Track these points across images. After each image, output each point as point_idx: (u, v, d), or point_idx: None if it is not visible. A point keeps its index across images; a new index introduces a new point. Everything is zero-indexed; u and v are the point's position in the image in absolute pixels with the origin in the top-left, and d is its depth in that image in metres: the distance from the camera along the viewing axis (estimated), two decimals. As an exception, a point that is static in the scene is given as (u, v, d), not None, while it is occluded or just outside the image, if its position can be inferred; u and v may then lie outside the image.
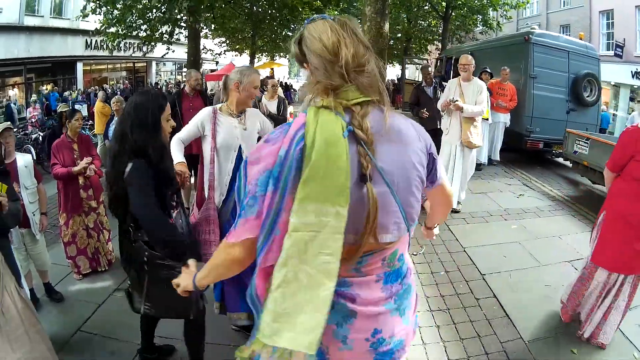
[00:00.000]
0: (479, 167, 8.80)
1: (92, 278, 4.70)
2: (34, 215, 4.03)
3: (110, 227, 4.94)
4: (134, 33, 14.44)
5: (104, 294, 4.35)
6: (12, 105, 17.20)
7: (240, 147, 3.24)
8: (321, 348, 1.40)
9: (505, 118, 9.20)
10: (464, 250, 5.20)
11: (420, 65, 11.51)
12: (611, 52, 20.00)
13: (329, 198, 1.27)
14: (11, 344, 2.38)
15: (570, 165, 8.25)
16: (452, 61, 14.47)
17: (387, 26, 6.43)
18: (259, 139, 3.33)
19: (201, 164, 3.40)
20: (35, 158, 10.62)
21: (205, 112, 3.31)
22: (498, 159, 9.45)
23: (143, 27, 14.20)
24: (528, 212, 6.53)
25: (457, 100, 5.82)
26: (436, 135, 7.44)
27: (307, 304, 1.29)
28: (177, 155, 3.13)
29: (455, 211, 6.29)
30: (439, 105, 6.26)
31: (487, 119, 8.64)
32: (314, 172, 1.27)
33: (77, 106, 15.77)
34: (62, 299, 4.24)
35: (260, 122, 3.49)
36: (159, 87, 26.02)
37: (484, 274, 4.62)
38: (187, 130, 3.28)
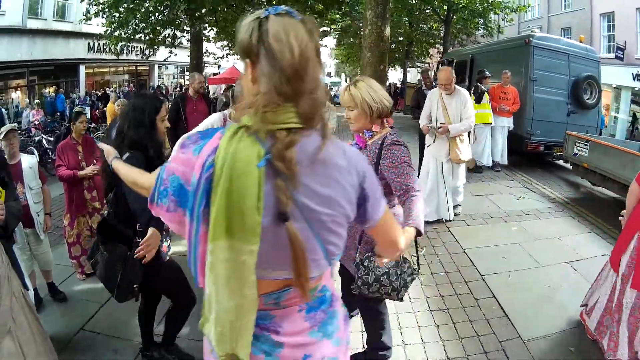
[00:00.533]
0: (479, 169, 8.84)
1: (95, 278, 4.70)
2: (38, 215, 4.08)
3: None
4: (137, 36, 14.49)
5: (106, 293, 4.32)
6: (3, 110, 17.28)
7: None
8: None
9: (508, 122, 9.16)
10: (464, 252, 5.23)
11: (421, 69, 11.55)
12: (612, 55, 20.04)
13: (241, 237, 1.15)
14: (22, 348, 2.41)
15: (571, 167, 8.27)
16: (453, 64, 14.54)
17: (388, 30, 6.47)
18: None
19: None
20: (38, 160, 10.75)
21: (215, 116, 3.51)
22: (506, 162, 9.34)
23: (146, 31, 14.24)
24: (528, 214, 6.56)
25: (440, 126, 5.60)
26: None
27: (238, 327, 1.25)
28: None
29: (447, 220, 6.13)
30: (421, 125, 6.10)
31: (490, 123, 8.73)
32: (221, 206, 1.14)
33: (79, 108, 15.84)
34: (66, 298, 4.28)
35: None
36: (160, 90, 26.03)
37: (484, 275, 4.65)
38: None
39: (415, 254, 2.78)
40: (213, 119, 3.46)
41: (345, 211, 1.29)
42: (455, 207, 6.34)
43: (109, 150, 2.31)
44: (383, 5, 6.30)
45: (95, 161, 4.73)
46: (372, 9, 6.37)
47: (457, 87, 5.75)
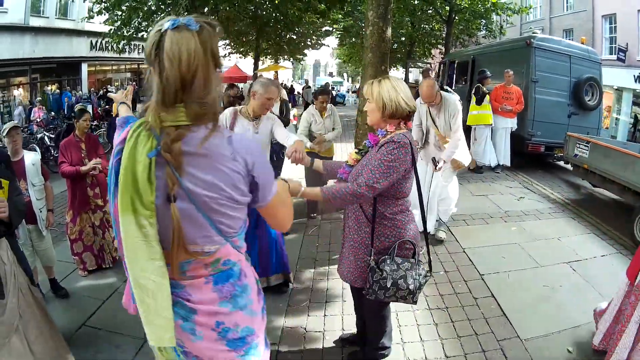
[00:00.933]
0: (479, 169, 8.85)
1: (97, 275, 4.79)
2: (40, 211, 4.12)
3: None
4: (140, 35, 14.50)
5: (108, 290, 4.44)
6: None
7: None
8: (178, 341, 1.56)
9: (512, 123, 9.08)
10: (464, 251, 5.26)
11: (421, 69, 11.55)
12: (614, 57, 20.01)
13: (142, 212, 1.40)
14: (31, 345, 2.46)
15: (571, 168, 8.28)
16: (455, 65, 14.56)
17: (389, 30, 6.46)
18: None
19: None
20: (40, 157, 10.79)
21: (227, 111, 3.78)
22: (508, 164, 9.26)
23: (149, 30, 14.25)
24: (528, 215, 6.58)
25: (438, 164, 5.11)
26: None
27: (156, 306, 1.47)
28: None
29: (440, 240, 5.57)
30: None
31: (490, 124, 8.77)
32: (124, 187, 1.40)
33: (80, 105, 15.94)
34: (68, 294, 4.32)
35: (273, 127, 3.87)
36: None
37: (483, 274, 4.67)
38: None
39: (428, 256, 2.88)
40: (225, 113, 3.71)
41: (229, 195, 1.48)
42: (438, 228, 5.69)
43: (115, 97, 2.52)
44: (385, 6, 6.28)
45: (95, 155, 4.78)
46: (373, 10, 6.35)
47: (444, 94, 5.10)
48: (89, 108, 16.49)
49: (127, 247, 1.45)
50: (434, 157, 5.22)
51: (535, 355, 3.39)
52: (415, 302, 2.75)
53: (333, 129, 6.19)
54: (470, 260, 5.04)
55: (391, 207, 2.67)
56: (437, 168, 5.15)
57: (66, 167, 4.59)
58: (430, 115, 5.22)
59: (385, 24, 6.34)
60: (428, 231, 5.54)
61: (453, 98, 5.09)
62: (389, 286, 2.59)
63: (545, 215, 6.59)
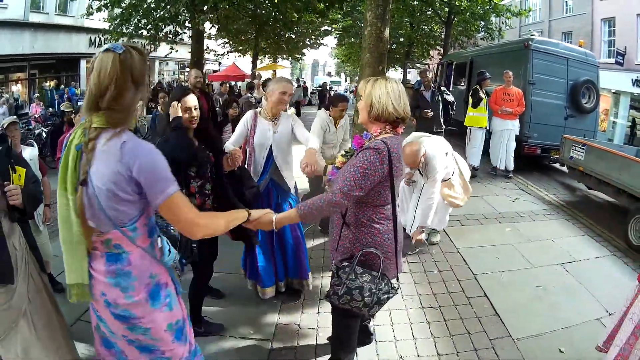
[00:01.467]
0: (474, 170, 8.75)
1: (93, 270, 4.79)
2: None
3: None
4: (139, 32, 14.48)
5: None
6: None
7: (271, 147, 3.81)
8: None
9: (513, 125, 8.80)
10: (458, 251, 5.29)
11: (419, 70, 11.55)
12: (612, 60, 20.08)
13: (69, 189, 1.84)
14: (37, 333, 2.48)
15: (567, 170, 8.32)
16: (453, 66, 14.59)
17: (387, 31, 6.49)
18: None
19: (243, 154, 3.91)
20: (38, 153, 10.80)
21: (248, 114, 3.93)
22: (511, 168, 8.94)
23: (148, 27, 14.23)
24: (523, 216, 6.62)
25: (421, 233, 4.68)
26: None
27: (74, 258, 1.94)
28: (229, 145, 3.74)
29: (433, 243, 5.47)
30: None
31: (485, 127, 8.76)
32: (61, 169, 1.86)
33: (80, 103, 15.92)
34: (64, 289, 4.31)
35: (293, 126, 3.92)
36: (161, 85, 26.00)
37: (476, 274, 4.70)
38: (238, 132, 3.89)
39: (409, 252, 2.81)
40: (247, 117, 3.90)
41: (114, 190, 1.80)
42: (429, 234, 5.45)
43: None
44: (383, 6, 6.32)
45: None
46: (372, 10, 6.39)
47: (428, 156, 4.53)
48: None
49: (59, 213, 1.89)
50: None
51: (527, 355, 3.42)
52: (372, 316, 2.76)
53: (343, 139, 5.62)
54: (464, 260, 5.07)
55: (368, 213, 2.56)
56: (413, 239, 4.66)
57: None
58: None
59: (384, 25, 6.37)
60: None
61: (434, 162, 4.54)
62: (340, 293, 2.54)
63: (539, 217, 6.63)
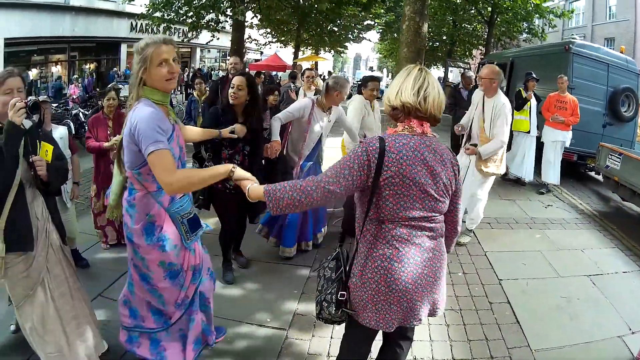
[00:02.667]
0: (505, 177, 8.47)
1: (119, 249, 4.91)
2: (65, 183, 4.23)
3: None
4: (180, 19, 14.64)
5: (126, 263, 4.53)
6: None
7: (321, 135, 4.44)
8: None
9: (564, 136, 8.00)
10: (485, 254, 5.21)
11: (461, 71, 11.31)
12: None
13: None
14: (57, 301, 2.64)
15: (602, 179, 8.09)
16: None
17: (425, 26, 6.44)
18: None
19: (285, 137, 4.69)
20: (74, 132, 11.08)
21: (305, 102, 4.41)
22: (557, 182, 8.16)
23: (189, 14, 14.38)
24: (554, 223, 6.47)
25: (468, 147, 5.04)
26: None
27: (115, 185, 2.89)
28: (275, 134, 4.22)
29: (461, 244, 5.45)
30: (455, 129, 5.68)
31: (529, 132, 8.09)
32: None
33: (120, 86, 16.26)
34: (88, 265, 4.45)
35: (339, 117, 4.63)
36: (201, 72, 26.28)
37: (501, 279, 4.62)
38: (292, 113, 4.33)
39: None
40: (304, 103, 4.41)
41: (127, 141, 2.36)
42: (463, 233, 5.49)
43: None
44: (422, 1, 6.26)
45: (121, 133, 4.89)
46: (410, 5, 6.34)
47: (500, 93, 5.05)
48: (127, 88, 16.76)
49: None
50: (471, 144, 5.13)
51: (544, 367, 3.33)
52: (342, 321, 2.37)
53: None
54: (490, 264, 4.99)
55: (372, 228, 2.16)
56: (466, 150, 5.12)
57: (91, 142, 4.78)
58: (483, 106, 5.13)
59: (422, 20, 6.31)
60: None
61: (504, 99, 4.97)
62: (315, 303, 2.37)
63: (571, 225, 6.47)
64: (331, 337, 3.50)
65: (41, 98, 4.21)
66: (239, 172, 2.26)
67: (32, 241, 2.53)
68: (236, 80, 3.78)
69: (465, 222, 5.49)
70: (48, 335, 2.63)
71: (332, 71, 18.66)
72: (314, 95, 5.93)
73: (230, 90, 3.78)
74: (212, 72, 30.41)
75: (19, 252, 2.48)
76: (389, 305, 2.09)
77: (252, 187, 2.18)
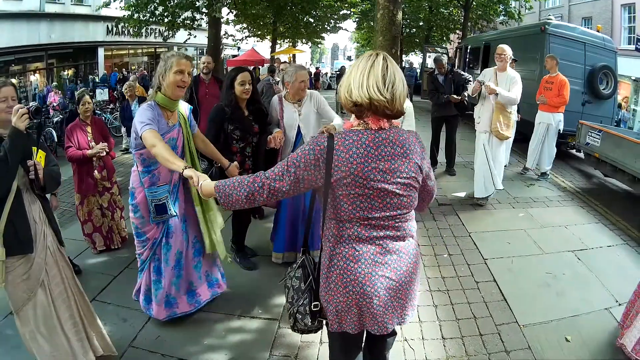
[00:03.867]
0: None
1: (109, 252, 4.93)
2: None
3: (123, 205, 5.16)
4: (157, 19, 14.51)
5: (119, 267, 4.56)
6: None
7: (299, 127, 4.27)
8: None
9: (549, 118, 7.62)
10: (469, 235, 5.29)
11: (434, 57, 11.36)
12: (633, 47, 19.62)
13: None
14: (55, 301, 2.72)
15: (583, 157, 8.19)
16: (469, 50, 14.43)
17: (400, 14, 6.45)
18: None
19: None
20: (56, 140, 10.99)
21: (274, 100, 4.39)
22: (547, 169, 7.84)
23: (165, 13, 14.24)
24: (537, 201, 6.58)
25: (485, 83, 5.79)
26: (454, 120, 7.68)
27: None
28: (274, 126, 4.33)
29: (478, 204, 6.27)
30: (470, 91, 6.28)
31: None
32: None
33: (98, 90, 16.12)
34: (80, 271, 4.43)
35: (317, 105, 4.37)
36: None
37: (486, 259, 4.70)
38: (272, 117, 4.37)
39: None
40: (273, 103, 4.38)
41: (133, 129, 3.03)
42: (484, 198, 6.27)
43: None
44: (395, -11, 6.27)
45: (103, 140, 4.90)
46: (384, -7, 6.35)
47: (509, 67, 6.02)
48: (105, 92, 16.69)
49: None
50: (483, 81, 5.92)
51: (532, 342, 3.41)
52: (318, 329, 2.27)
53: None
54: (475, 244, 5.07)
55: (332, 227, 2.03)
56: (484, 86, 5.78)
57: (72, 151, 4.71)
58: (496, 79, 5.93)
59: (396, 7, 6.32)
60: (497, 188, 6.23)
61: (514, 73, 5.97)
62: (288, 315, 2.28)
63: (554, 203, 6.57)
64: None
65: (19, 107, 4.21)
66: (188, 171, 2.47)
67: (31, 243, 2.59)
68: (244, 76, 3.97)
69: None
70: (52, 337, 2.71)
71: (287, 62, 18.32)
72: None
73: (242, 88, 3.94)
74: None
75: (19, 255, 2.55)
76: (348, 307, 1.99)
77: (204, 183, 2.23)
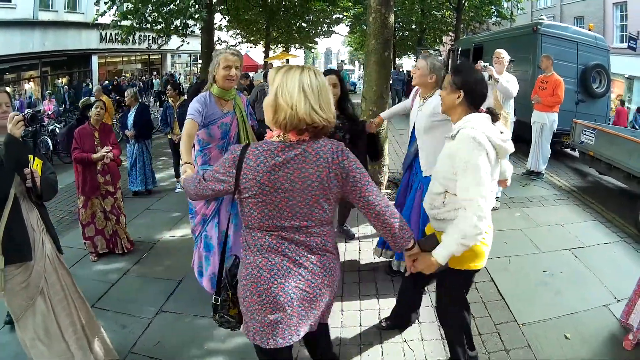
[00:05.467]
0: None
1: (108, 259, 4.96)
2: None
3: (126, 213, 5.20)
4: (148, 26, 14.52)
5: (117, 274, 4.59)
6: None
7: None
8: None
9: (543, 117, 7.60)
10: (466, 236, 5.26)
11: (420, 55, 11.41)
12: (625, 45, 19.78)
13: None
14: (54, 308, 2.74)
15: (578, 155, 8.22)
16: (459, 52, 14.49)
17: (392, 17, 6.45)
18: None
19: None
20: (52, 149, 10.97)
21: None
22: (542, 169, 7.82)
23: (158, 20, 14.24)
24: (533, 201, 6.60)
25: (488, 65, 6.01)
26: None
27: None
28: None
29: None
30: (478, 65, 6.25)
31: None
32: None
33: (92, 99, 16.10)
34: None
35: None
36: (174, 77, 26.19)
37: (484, 259, 4.69)
38: None
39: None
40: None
41: None
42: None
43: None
44: (387, -8, 6.29)
45: (108, 144, 4.96)
46: (375, -4, 6.36)
47: (507, 73, 6.20)
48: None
49: None
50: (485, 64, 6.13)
51: (531, 340, 3.42)
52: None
53: None
54: (471, 245, 5.04)
55: (245, 233, 2.10)
56: (483, 66, 5.98)
57: (78, 153, 4.78)
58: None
59: (388, 11, 6.33)
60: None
61: (510, 76, 6.19)
62: None
63: (550, 202, 6.60)
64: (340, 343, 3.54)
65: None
66: (185, 166, 2.92)
67: (30, 251, 2.60)
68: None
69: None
70: (52, 343, 2.72)
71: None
72: None
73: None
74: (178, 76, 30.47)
75: (18, 263, 2.56)
76: (262, 316, 1.98)
77: (185, 174, 2.66)
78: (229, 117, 3.54)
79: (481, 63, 6.08)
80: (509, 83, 5.97)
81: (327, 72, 4.19)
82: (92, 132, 4.94)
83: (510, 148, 2.45)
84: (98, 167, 4.93)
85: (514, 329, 3.55)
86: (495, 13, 21.76)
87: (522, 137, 8.23)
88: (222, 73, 3.38)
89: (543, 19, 10.06)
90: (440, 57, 10.37)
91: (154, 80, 26.50)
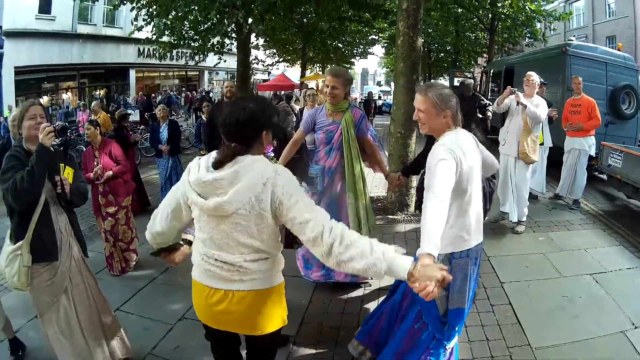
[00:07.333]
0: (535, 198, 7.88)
1: (133, 272, 5.15)
2: None
3: (128, 238, 5.28)
4: (187, 42, 14.86)
5: (145, 280, 4.86)
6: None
7: None
8: None
9: (581, 143, 7.31)
10: (488, 259, 5.27)
11: (460, 81, 11.36)
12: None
13: None
14: (77, 307, 2.97)
15: (606, 178, 8.11)
16: (491, 74, 14.43)
17: (420, 40, 6.56)
18: None
19: None
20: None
21: None
22: (579, 197, 7.52)
23: (195, 37, 14.57)
24: (558, 225, 6.53)
25: (516, 90, 5.99)
26: None
27: None
28: None
29: (516, 232, 6.20)
30: (497, 100, 6.35)
31: (542, 144, 7.40)
32: None
33: (129, 111, 16.62)
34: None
35: None
36: (209, 95, 26.70)
37: (503, 282, 4.71)
38: None
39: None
40: None
41: None
42: (518, 223, 6.27)
43: None
44: (414, 16, 6.38)
45: (115, 163, 5.10)
46: (403, 20, 6.47)
47: (537, 96, 6.17)
48: (137, 113, 17.43)
49: None
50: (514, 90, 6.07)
51: (544, 365, 3.41)
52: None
53: None
54: (492, 268, 5.07)
55: None
56: (513, 93, 5.95)
57: (83, 174, 4.89)
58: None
59: (416, 34, 6.44)
60: (511, 220, 6.37)
61: (541, 99, 6.22)
62: None
63: (575, 226, 6.51)
64: (335, 346, 3.63)
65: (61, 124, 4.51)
66: None
67: (56, 252, 2.83)
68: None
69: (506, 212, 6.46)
70: (74, 339, 2.93)
71: (314, 88, 18.54)
72: None
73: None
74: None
75: (44, 262, 2.79)
76: None
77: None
78: (335, 126, 4.12)
79: (510, 89, 6.08)
80: (539, 107, 5.88)
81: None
82: (92, 152, 5.09)
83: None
84: (100, 189, 5.04)
85: (526, 353, 3.54)
86: (528, 34, 21.58)
87: (555, 160, 8.15)
88: (325, 90, 4.21)
89: (573, 40, 10.00)
90: (470, 80, 10.34)
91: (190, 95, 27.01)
